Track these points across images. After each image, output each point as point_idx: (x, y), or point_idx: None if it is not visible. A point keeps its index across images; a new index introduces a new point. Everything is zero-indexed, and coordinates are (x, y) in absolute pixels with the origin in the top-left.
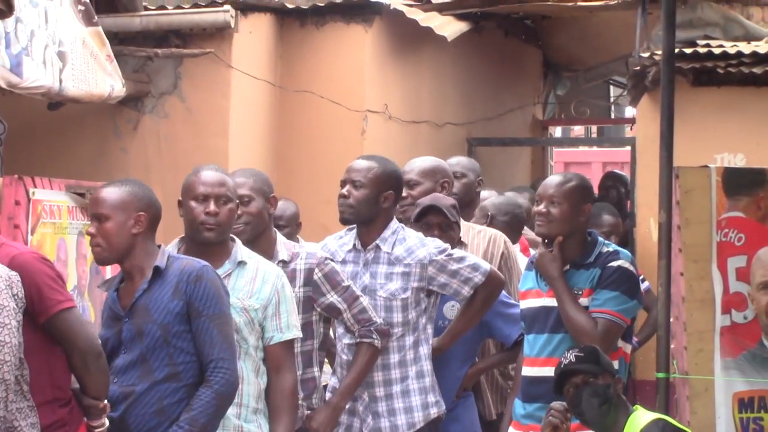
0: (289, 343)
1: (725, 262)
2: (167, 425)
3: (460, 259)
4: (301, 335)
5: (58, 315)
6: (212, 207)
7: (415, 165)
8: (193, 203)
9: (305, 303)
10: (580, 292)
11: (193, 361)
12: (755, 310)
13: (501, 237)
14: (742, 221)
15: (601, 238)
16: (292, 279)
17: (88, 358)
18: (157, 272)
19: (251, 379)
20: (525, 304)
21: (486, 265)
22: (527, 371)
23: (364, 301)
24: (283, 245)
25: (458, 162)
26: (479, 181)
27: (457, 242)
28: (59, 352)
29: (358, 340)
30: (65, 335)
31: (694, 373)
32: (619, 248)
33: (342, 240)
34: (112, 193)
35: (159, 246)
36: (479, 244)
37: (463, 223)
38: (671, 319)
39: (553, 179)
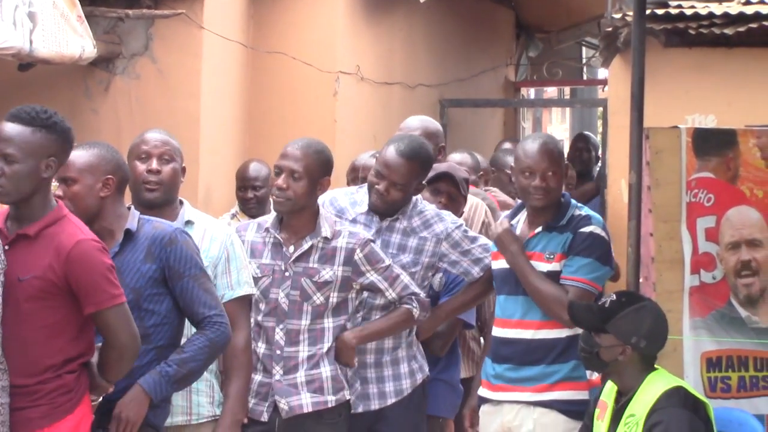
0: (242, 300)
1: (694, 222)
2: (135, 384)
3: (474, 239)
4: (254, 291)
5: (109, 309)
6: (154, 165)
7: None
8: (136, 162)
9: (343, 282)
10: (552, 256)
11: (163, 324)
12: (724, 270)
13: (482, 205)
14: (712, 182)
15: (573, 200)
16: (331, 257)
17: (127, 353)
18: (129, 235)
19: None
20: (497, 264)
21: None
22: (498, 332)
23: (405, 278)
24: (326, 221)
25: None
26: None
27: (459, 216)
28: (90, 335)
29: (398, 305)
30: (112, 329)
31: None
32: (591, 212)
33: (353, 197)
34: (79, 156)
35: (129, 208)
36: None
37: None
38: (640, 280)
39: (536, 148)
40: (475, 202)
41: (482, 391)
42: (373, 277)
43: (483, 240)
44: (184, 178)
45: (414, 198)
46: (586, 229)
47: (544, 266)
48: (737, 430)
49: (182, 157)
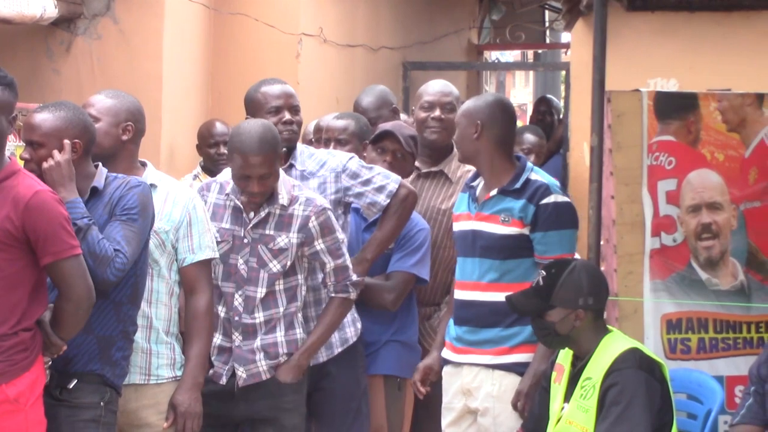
0: (203, 264)
1: (655, 185)
2: (92, 339)
3: (370, 168)
4: (216, 255)
5: (66, 260)
6: None
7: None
8: None
9: (297, 248)
10: (508, 220)
11: (122, 280)
12: (684, 232)
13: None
14: (673, 145)
15: (530, 164)
16: (287, 224)
17: (82, 306)
18: (94, 192)
19: (164, 301)
20: (456, 227)
21: (396, 176)
22: (457, 294)
23: (347, 258)
24: (283, 187)
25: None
26: (394, 109)
27: (408, 173)
28: (44, 293)
29: (332, 294)
30: (68, 280)
31: (623, 294)
32: (545, 176)
33: None
34: (45, 119)
35: (97, 166)
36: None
37: (456, 156)
38: (602, 242)
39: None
40: (472, 168)
41: (445, 353)
42: (321, 246)
43: (381, 169)
44: (128, 135)
45: (300, 146)
46: (549, 200)
47: (500, 229)
48: (697, 391)
49: (121, 115)
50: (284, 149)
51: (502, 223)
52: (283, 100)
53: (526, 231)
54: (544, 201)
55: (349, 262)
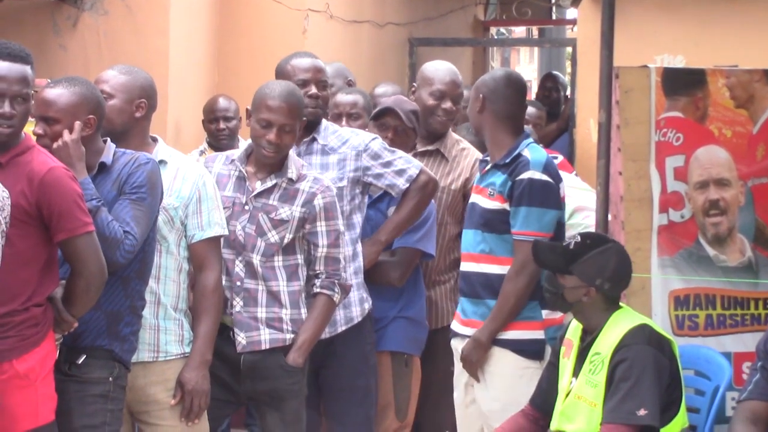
0: (212, 241)
1: (663, 161)
2: (100, 315)
3: (393, 151)
4: (226, 232)
5: (80, 237)
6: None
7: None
8: None
9: (299, 224)
10: (493, 194)
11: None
12: (692, 209)
13: (473, 153)
14: (681, 121)
15: (528, 140)
16: (292, 197)
17: (94, 283)
18: (102, 168)
19: (172, 277)
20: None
21: (418, 162)
22: (461, 265)
23: (341, 252)
24: (293, 163)
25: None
26: (349, 82)
27: (411, 149)
28: (55, 269)
29: (317, 290)
30: (81, 257)
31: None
32: (534, 152)
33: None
34: (61, 95)
35: (105, 141)
36: (460, 161)
37: (450, 135)
38: (609, 218)
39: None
40: (467, 146)
41: (453, 324)
42: (321, 228)
43: (403, 154)
44: (141, 112)
45: (325, 122)
46: (524, 176)
47: (486, 202)
48: (704, 367)
49: (135, 92)
50: (305, 120)
51: (488, 196)
52: (311, 73)
53: (507, 206)
54: (520, 176)
55: (343, 258)
